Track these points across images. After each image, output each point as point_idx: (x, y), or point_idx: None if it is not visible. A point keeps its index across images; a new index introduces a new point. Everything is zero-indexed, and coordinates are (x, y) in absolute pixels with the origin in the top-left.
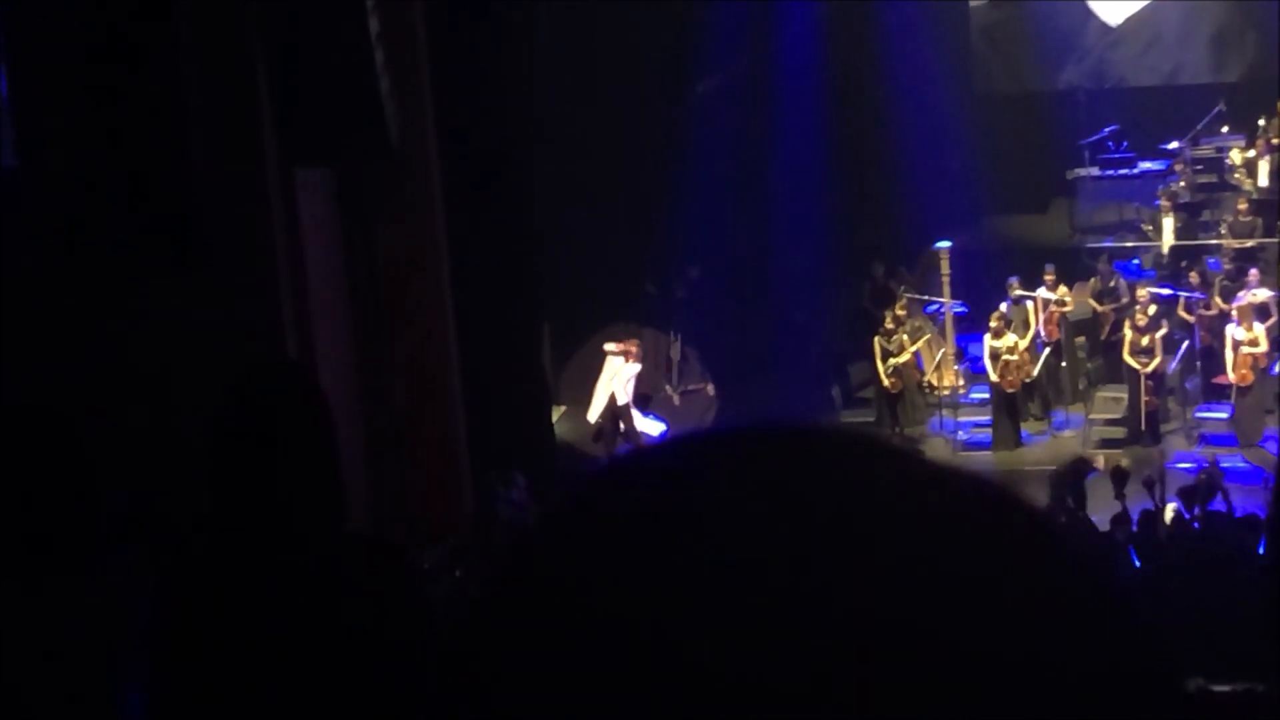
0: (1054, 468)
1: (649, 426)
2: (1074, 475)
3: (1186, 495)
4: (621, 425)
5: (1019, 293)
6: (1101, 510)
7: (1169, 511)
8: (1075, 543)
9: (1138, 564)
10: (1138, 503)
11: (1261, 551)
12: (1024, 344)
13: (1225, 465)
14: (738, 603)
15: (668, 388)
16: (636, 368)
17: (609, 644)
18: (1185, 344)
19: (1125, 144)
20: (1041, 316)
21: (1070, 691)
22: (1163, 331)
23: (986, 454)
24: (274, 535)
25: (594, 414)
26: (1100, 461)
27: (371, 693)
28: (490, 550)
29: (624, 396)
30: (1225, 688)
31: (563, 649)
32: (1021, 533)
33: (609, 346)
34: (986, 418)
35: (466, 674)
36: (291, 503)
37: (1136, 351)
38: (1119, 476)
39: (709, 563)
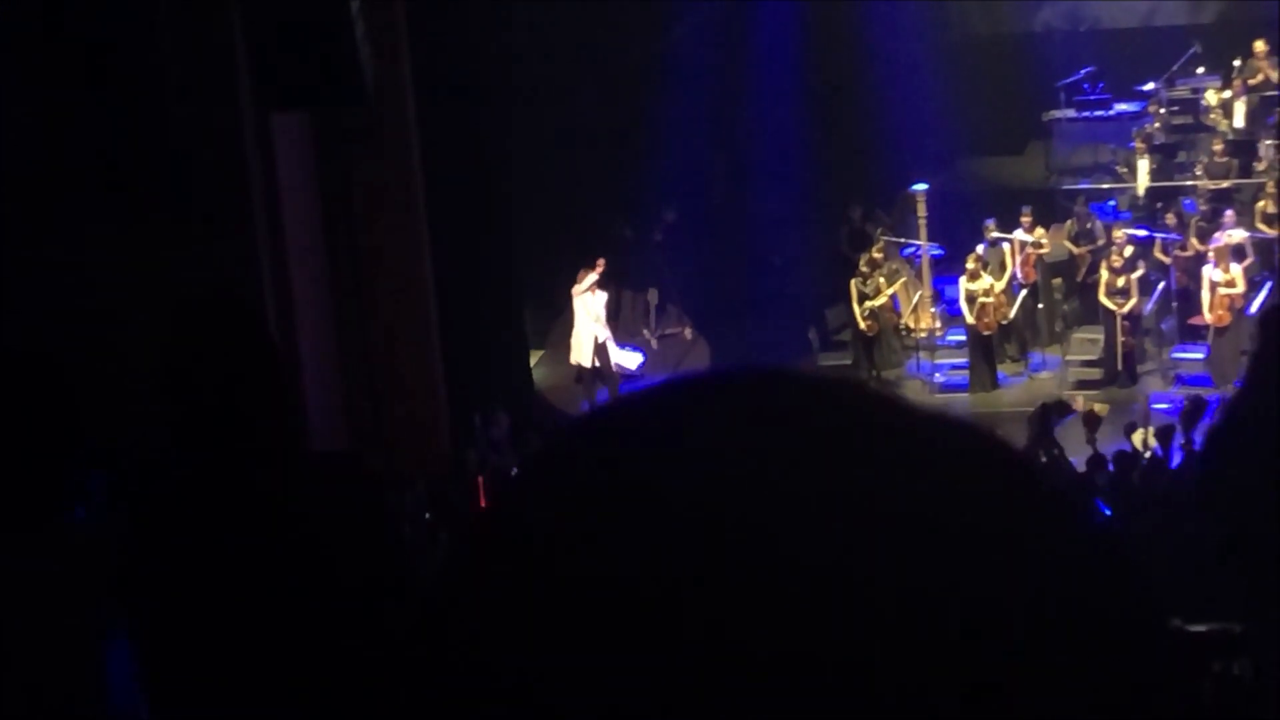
0: (1032, 409)
1: (626, 359)
2: (1057, 416)
3: (1164, 431)
4: (597, 362)
5: (995, 235)
6: (1079, 453)
7: (1142, 446)
8: (1054, 483)
9: (1108, 512)
10: (1112, 445)
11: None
12: (1000, 286)
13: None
14: (720, 558)
15: (645, 331)
16: (604, 296)
17: (590, 601)
18: (1161, 285)
19: (1101, 85)
20: (1018, 259)
21: (1056, 633)
22: (1139, 273)
23: (963, 396)
24: (234, 459)
25: (582, 358)
26: (1079, 403)
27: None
28: (466, 490)
29: (602, 333)
30: (1201, 628)
31: (543, 604)
32: (1006, 478)
33: (576, 289)
34: (963, 360)
35: (444, 629)
36: (245, 427)
37: (1112, 293)
38: (1091, 421)
39: (692, 515)
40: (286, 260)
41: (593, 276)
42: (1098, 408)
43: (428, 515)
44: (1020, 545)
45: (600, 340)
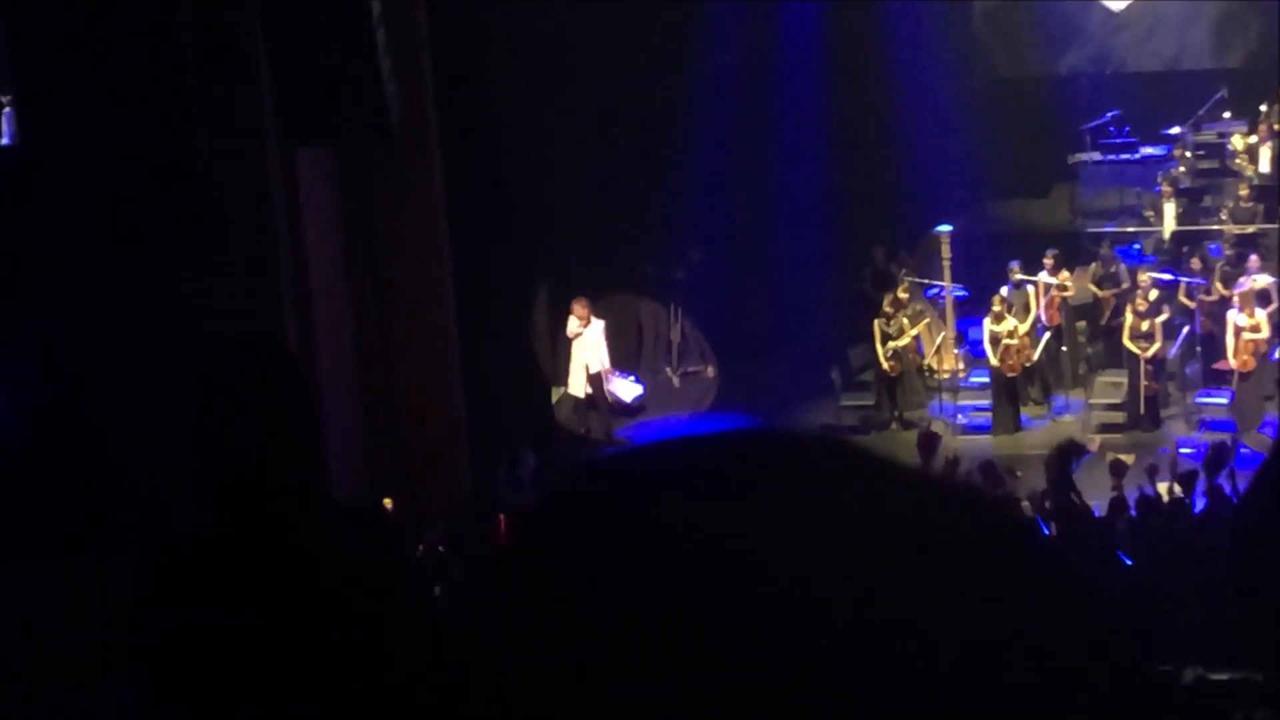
0: (1048, 452)
1: (623, 389)
2: (1074, 458)
3: (1187, 477)
4: (590, 391)
5: (1020, 277)
6: (1100, 497)
7: (1166, 493)
8: (1045, 542)
9: (1129, 562)
10: (1134, 489)
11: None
12: (1024, 328)
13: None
14: (725, 605)
15: (667, 369)
16: (600, 325)
17: (596, 639)
18: (1185, 329)
19: (1127, 129)
20: (1042, 301)
21: (1041, 687)
22: (1163, 317)
23: (986, 438)
24: (255, 508)
25: (576, 389)
26: (1094, 443)
27: (359, 666)
28: (488, 529)
29: (597, 364)
30: (1224, 676)
31: (551, 642)
32: (999, 539)
33: (570, 327)
34: (986, 402)
35: (457, 663)
36: (269, 476)
37: (1137, 336)
38: (1119, 470)
39: (700, 563)
40: (309, 296)
41: (572, 320)
42: (1124, 456)
43: (442, 550)
44: (1006, 596)
45: (594, 371)
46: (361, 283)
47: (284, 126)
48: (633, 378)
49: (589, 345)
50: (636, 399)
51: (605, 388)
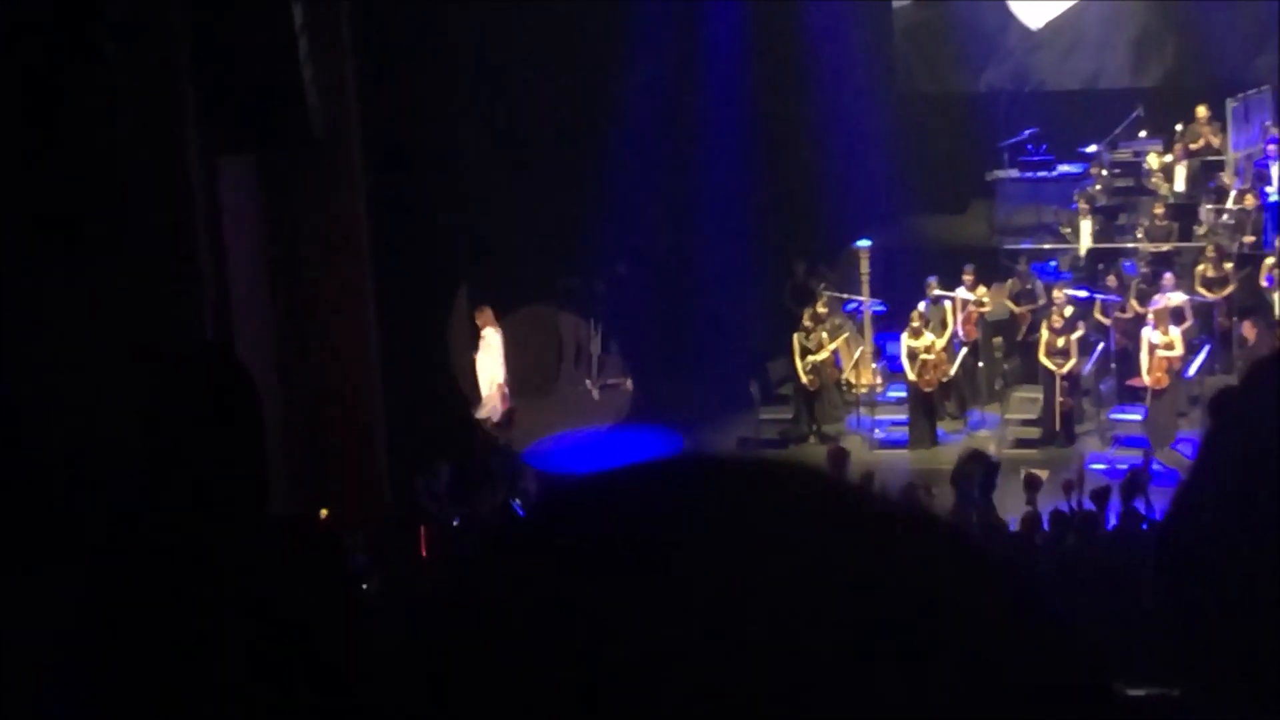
0: (954, 465)
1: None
2: (981, 470)
3: (1100, 494)
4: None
5: (937, 292)
6: (1014, 511)
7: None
8: (1000, 561)
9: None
10: (1047, 504)
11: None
12: (941, 343)
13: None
14: (680, 637)
15: (587, 381)
16: (499, 335)
17: (552, 676)
18: (1100, 346)
19: (1044, 146)
20: (959, 316)
21: (1008, 703)
22: (1078, 333)
23: (903, 452)
24: (203, 520)
25: (485, 394)
26: (992, 450)
27: (299, 675)
28: (407, 542)
29: (500, 373)
30: (1140, 692)
31: (504, 680)
32: (955, 562)
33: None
34: (903, 416)
35: (411, 699)
36: (220, 487)
37: (1052, 353)
38: (1033, 484)
39: (652, 596)
40: (230, 304)
41: (484, 320)
42: (1038, 471)
43: (365, 564)
44: (966, 617)
45: (495, 381)
46: (282, 291)
47: (206, 134)
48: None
49: (490, 356)
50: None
51: (506, 399)
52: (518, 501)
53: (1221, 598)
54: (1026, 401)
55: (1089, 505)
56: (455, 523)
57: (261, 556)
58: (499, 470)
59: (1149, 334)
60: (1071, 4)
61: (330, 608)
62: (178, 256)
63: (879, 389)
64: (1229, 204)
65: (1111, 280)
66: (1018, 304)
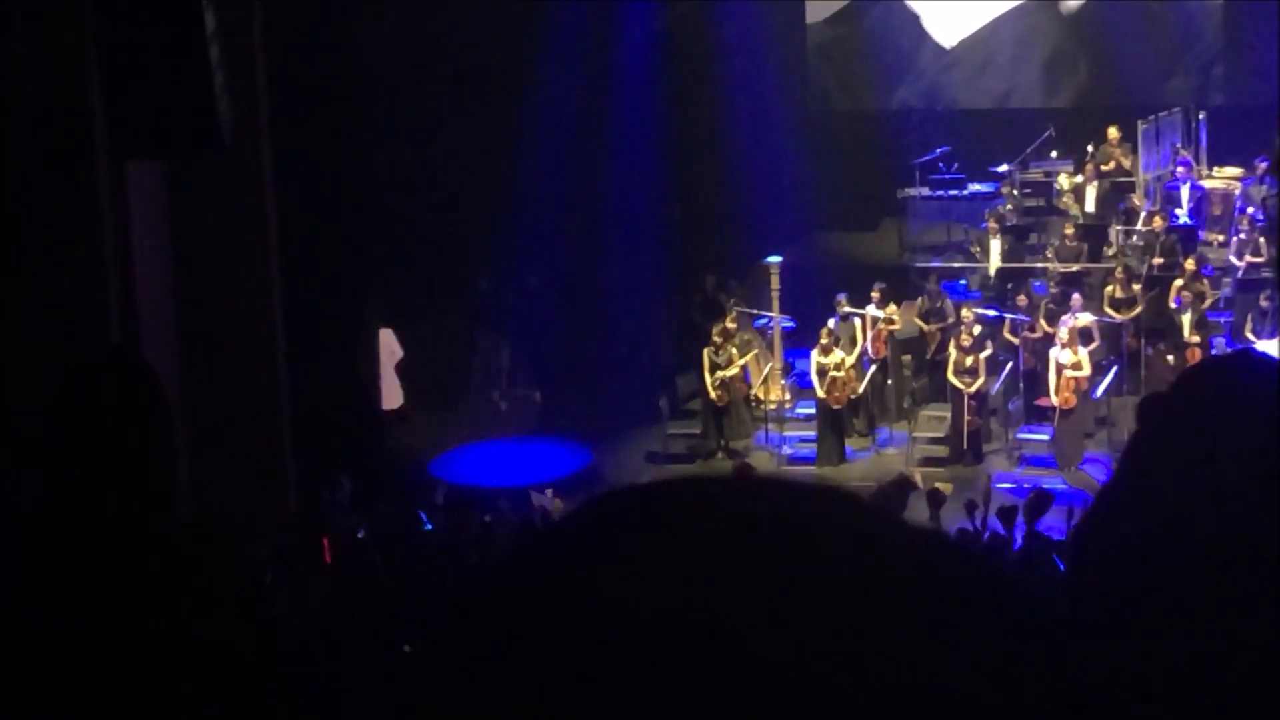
0: (875, 485)
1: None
2: (898, 494)
3: (1007, 513)
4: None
5: (847, 309)
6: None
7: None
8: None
9: None
10: (952, 522)
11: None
12: (850, 360)
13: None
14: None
15: (495, 393)
16: (389, 332)
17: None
18: (1009, 365)
19: (956, 165)
20: (869, 334)
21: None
22: (987, 352)
23: (810, 469)
24: (106, 527)
25: (390, 400)
26: (918, 479)
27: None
28: (311, 555)
29: (398, 352)
30: None
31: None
32: (963, 586)
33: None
34: (811, 433)
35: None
36: (125, 493)
37: (960, 371)
38: (936, 499)
39: (672, 622)
40: (136, 310)
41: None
42: (942, 486)
43: (268, 576)
44: (987, 645)
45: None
46: (189, 298)
47: (114, 138)
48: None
49: (390, 357)
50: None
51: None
52: (423, 513)
53: (1138, 603)
54: (934, 420)
55: (995, 524)
56: (360, 534)
57: (165, 563)
58: (404, 482)
59: (1057, 354)
60: (984, 23)
61: (233, 616)
62: (83, 259)
63: (787, 405)
64: (1139, 225)
65: (1021, 300)
66: (927, 322)
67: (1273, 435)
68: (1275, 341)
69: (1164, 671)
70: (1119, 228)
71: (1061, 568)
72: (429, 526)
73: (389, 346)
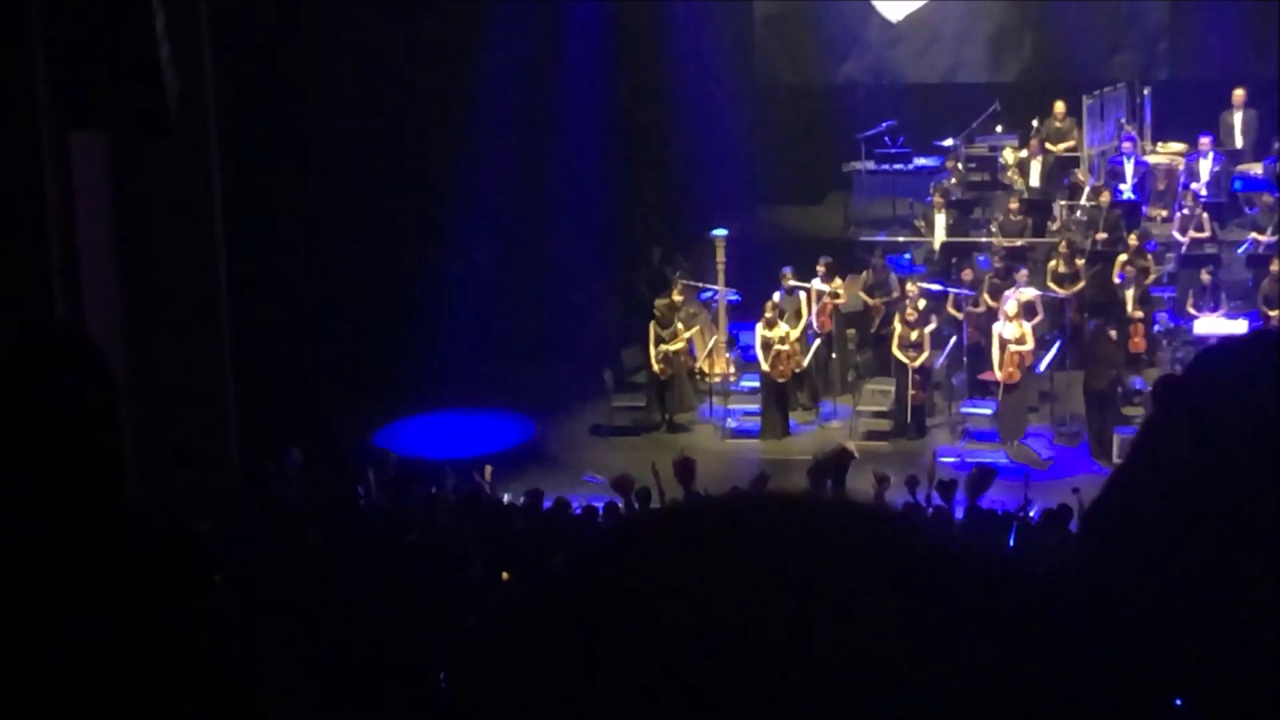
0: (813, 458)
1: None
2: (836, 466)
3: (947, 486)
4: None
5: (792, 283)
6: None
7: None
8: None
9: None
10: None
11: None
12: (795, 334)
13: (990, 462)
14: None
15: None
16: None
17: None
18: (953, 340)
19: (901, 139)
20: (814, 308)
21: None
22: (931, 327)
23: (754, 442)
24: (52, 509)
25: None
26: (850, 447)
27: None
28: (261, 527)
29: None
30: None
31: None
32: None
33: None
34: (756, 406)
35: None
36: (71, 472)
37: (905, 345)
38: (880, 480)
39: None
40: (79, 284)
41: None
42: (851, 445)
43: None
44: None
45: None
46: (133, 272)
47: (59, 109)
48: None
49: None
50: None
51: None
52: (361, 488)
53: (1152, 580)
54: (878, 394)
55: (936, 499)
56: (304, 507)
57: (113, 545)
58: (349, 454)
59: (1001, 329)
60: None
61: (184, 599)
62: (28, 232)
63: (732, 379)
64: (1083, 200)
65: (965, 274)
66: (872, 296)
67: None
68: (1217, 317)
69: (1177, 646)
70: (1063, 203)
71: (1011, 543)
72: (363, 500)
73: None
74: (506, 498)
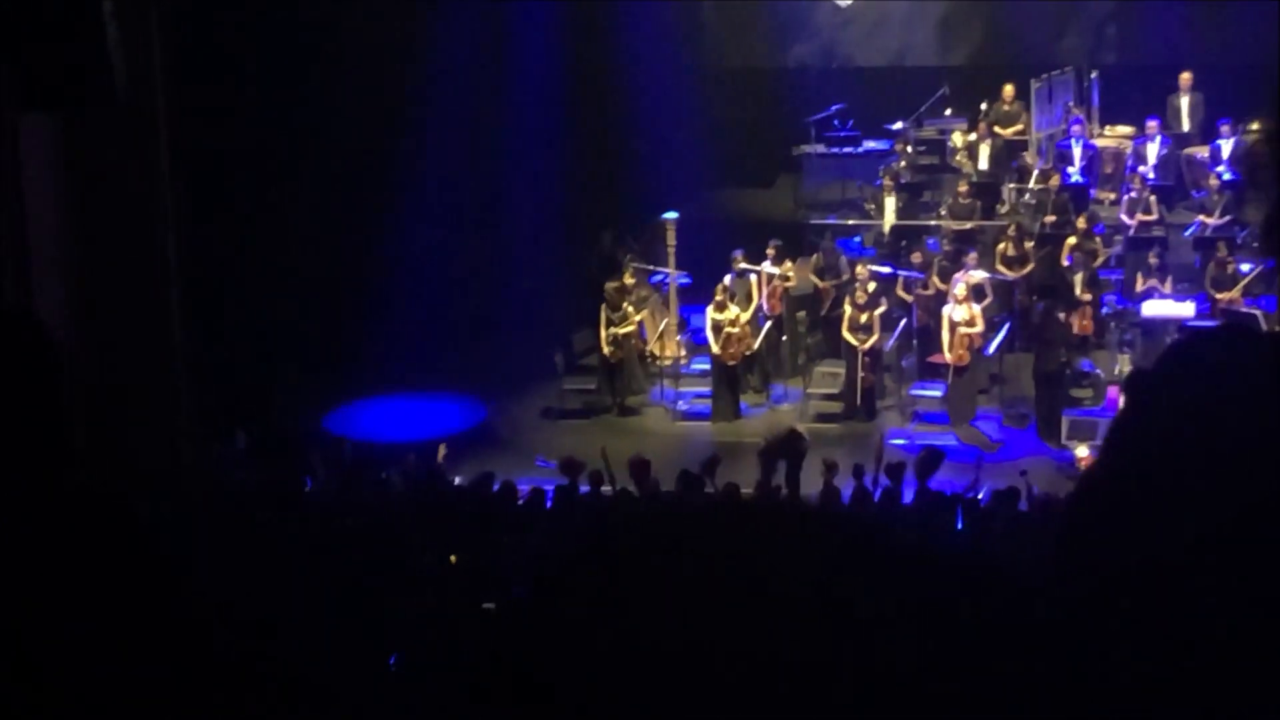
0: (763, 440)
1: None
2: (787, 448)
3: (896, 468)
4: None
5: (743, 266)
6: (808, 485)
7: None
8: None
9: None
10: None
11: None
12: (746, 317)
13: (940, 444)
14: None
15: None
16: None
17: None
18: (903, 322)
19: (851, 122)
20: (764, 290)
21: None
22: (881, 309)
23: (705, 425)
24: None
25: None
26: (800, 428)
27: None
28: (211, 508)
29: None
30: None
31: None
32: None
33: None
34: (706, 389)
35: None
36: (18, 455)
37: (855, 328)
38: (830, 466)
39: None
40: (28, 265)
41: None
42: (801, 427)
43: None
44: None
45: None
46: (83, 253)
47: (6, 90)
48: None
49: None
50: None
51: None
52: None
53: (1128, 574)
54: (829, 376)
55: (885, 480)
56: (251, 488)
57: (59, 527)
58: (300, 437)
59: (950, 311)
60: None
61: (130, 581)
62: None
63: (683, 361)
64: (1031, 183)
65: (915, 257)
66: (822, 279)
67: (1257, 407)
68: (1167, 301)
69: (1153, 642)
70: (1012, 186)
71: (960, 524)
72: (309, 484)
73: None
74: (458, 480)
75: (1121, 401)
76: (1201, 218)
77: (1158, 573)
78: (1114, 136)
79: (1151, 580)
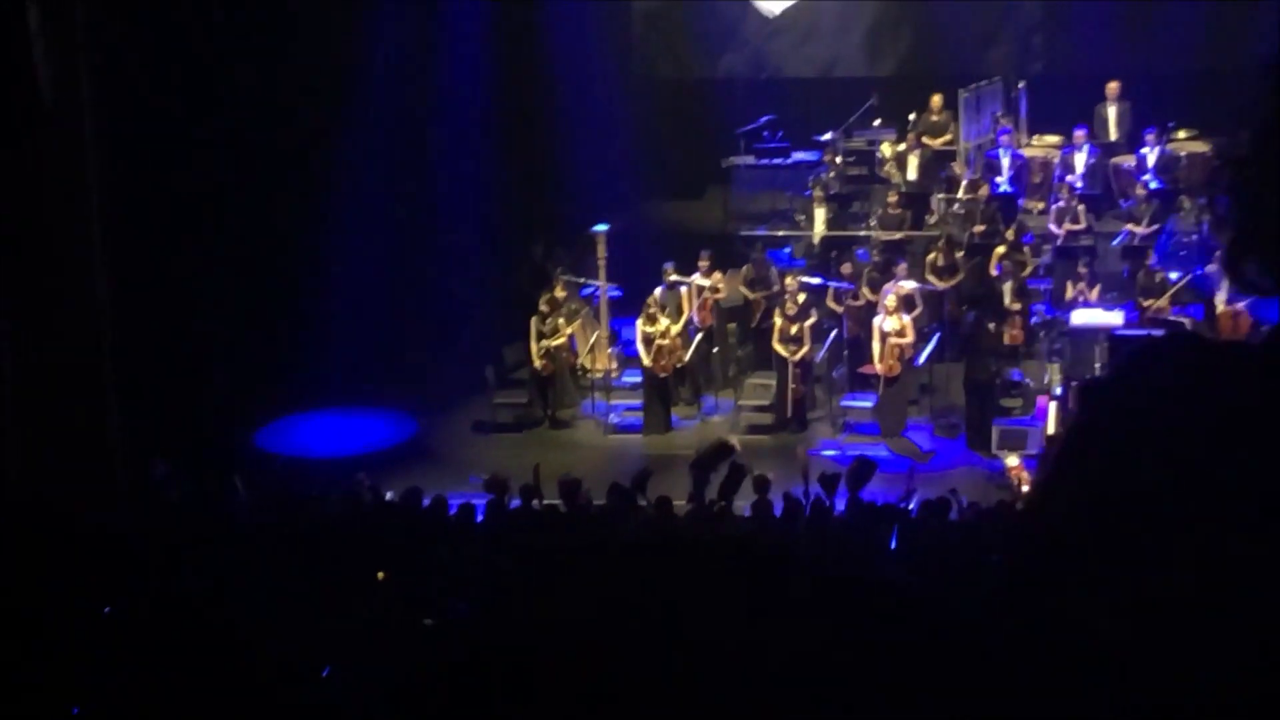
0: (694, 451)
1: None
2: (717, 459)
3: (830, 479)
4: None
5: (674, 278)
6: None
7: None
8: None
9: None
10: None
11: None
12: (676, 329)
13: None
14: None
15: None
16: None
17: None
18: (833, 333)
19: (780, 133)
20: (695, 302)
21: None
22: (811, 320)
23: (636, 437)
24: None
25: None
26: (733, 441)
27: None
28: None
29: None
30: None
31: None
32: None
33: None
34: (638, 401)
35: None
36: None
37: (785, 339)
38: (761, 485)
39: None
40: None
41: None
42: (733, 439)
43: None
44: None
45: None
46: (11, 274)
47: None
48: None
49: None
50: None
51: None
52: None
53: (1084, 581)
54: (760, 388)
55: (816, 491)
56: (184, 505)
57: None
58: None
59: (881, 322)
60: None
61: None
62: None
63: (614, 374)
64: (960, 194)
65: (845, 268)
66: (752, 290)
67: (1208, 415)
68: (1096, 310)
69: (1124, 653)
70: (941, 196)
71: (894, 538)
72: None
73: None
74: (388, 495)
75: (1074, 411)
76: (1129, 226)
77: (1125, 574)
78: (1042, 146)
79: (1109, 578)
